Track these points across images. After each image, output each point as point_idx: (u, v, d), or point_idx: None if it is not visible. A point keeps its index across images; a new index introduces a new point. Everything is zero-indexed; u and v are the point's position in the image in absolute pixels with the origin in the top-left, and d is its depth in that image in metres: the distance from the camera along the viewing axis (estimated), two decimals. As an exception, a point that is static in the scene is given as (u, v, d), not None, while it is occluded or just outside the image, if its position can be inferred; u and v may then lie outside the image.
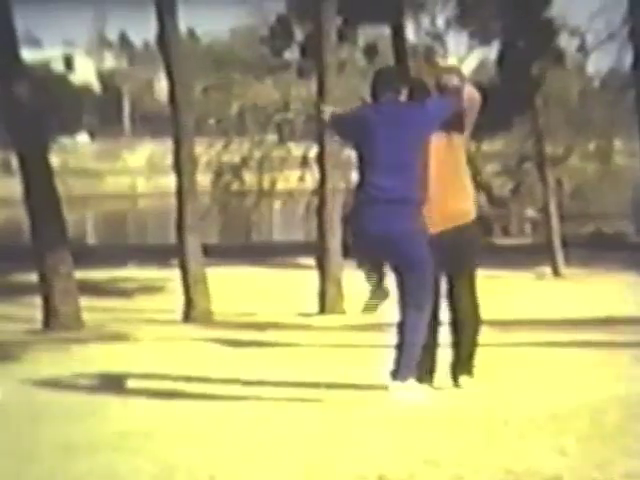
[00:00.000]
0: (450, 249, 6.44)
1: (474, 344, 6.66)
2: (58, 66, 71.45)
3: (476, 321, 6.63)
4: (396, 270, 6.36)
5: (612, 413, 5.76)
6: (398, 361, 6.26)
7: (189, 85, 16.33)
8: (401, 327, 6.30)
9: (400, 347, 6.27)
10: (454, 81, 6.47)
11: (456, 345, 6.67)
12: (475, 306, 6.62)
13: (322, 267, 15.31)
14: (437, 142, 6.36)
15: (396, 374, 6.24)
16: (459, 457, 4.92)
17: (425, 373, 6.57)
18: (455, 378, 6.68)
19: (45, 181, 13.41)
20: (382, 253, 6.34)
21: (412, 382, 6.28)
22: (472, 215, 6.55)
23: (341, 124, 6.61)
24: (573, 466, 4.71)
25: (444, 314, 6.61)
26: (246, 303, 16.38)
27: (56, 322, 13.22)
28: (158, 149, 56.14)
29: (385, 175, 6.18)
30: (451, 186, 6.41)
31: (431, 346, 6.55)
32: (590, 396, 6.31)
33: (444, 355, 6.70)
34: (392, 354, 6.32)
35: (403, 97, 6.42)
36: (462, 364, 6.66)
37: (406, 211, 6.18)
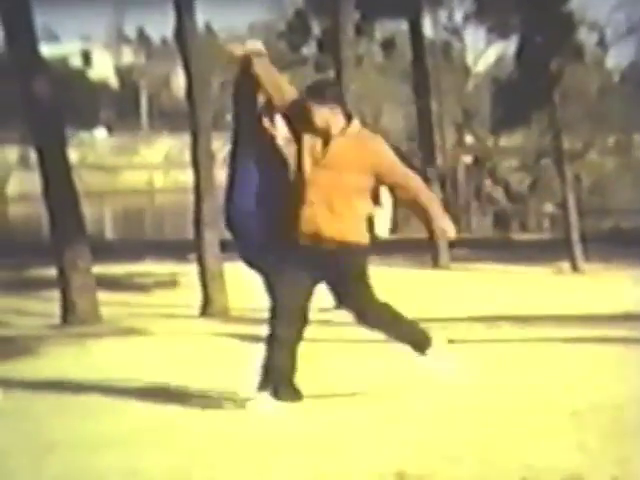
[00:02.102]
0: (326, 267, 6.38)
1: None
2: (76, 61, 71.66)
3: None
4: None
5: (632, 410, 5.73)
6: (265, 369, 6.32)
7: (206, 80, 16.33)
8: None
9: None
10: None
11: None
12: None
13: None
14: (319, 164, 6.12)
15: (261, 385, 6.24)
16: (479, 453, 4.90)
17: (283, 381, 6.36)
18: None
19: (63, 176, 13.45)
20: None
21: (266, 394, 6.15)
22: (354, 241, 6.18)
23: None
24: (593, 463, 4.69)
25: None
26: (263, 298, 16.37)
27: (74, 317, 13.27)
28: (175, 144, 56.26)
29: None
30: (328, 209, 6.11)
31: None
32: (610, 392, 6.28)
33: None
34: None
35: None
36: None
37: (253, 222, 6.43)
